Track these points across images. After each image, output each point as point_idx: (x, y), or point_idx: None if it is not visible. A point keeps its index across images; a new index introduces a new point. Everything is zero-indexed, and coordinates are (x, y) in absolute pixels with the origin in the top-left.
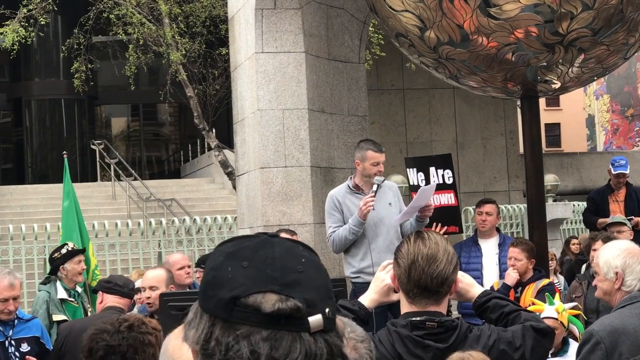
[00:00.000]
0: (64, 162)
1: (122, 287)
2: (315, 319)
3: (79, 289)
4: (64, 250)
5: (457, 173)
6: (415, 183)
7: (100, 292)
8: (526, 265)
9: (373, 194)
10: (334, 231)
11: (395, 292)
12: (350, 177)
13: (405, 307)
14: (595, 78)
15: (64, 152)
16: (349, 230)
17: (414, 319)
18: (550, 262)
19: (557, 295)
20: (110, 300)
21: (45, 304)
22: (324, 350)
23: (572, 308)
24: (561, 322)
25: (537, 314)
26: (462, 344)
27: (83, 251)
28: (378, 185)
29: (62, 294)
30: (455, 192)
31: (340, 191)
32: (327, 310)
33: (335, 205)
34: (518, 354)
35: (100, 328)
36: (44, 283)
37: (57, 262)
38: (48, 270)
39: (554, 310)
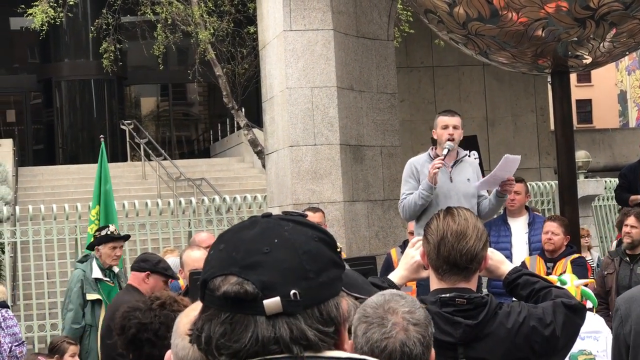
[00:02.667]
0: (98, 144)
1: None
2: (271, 302)
3: (116, 269)
4: (104, 232)
5: (487, 150)
6: None
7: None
8: (562, 240)
9: (442, 157)
10: (406, 197)
11: (425, 269)
12: (432, 148)
13: (434, 284)
14: (627, 53)
15: (102, 135)
16: (418, 196)
17: (443, 295)
18: (586, 238)
19: (571, 276)
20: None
21: (80, 283)
22: (281, 334)
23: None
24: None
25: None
26: (492, 321)
27: (123, 238)
28: (448, 149)
29: (97, 273)
30: (482, 172)
31: (420, 159)
32: (292, 292)
33: (413, 173)
34: (549, 330)
35: (132, 306)
36: (81, 261)
37: (94, 241)
38: (80, 251)
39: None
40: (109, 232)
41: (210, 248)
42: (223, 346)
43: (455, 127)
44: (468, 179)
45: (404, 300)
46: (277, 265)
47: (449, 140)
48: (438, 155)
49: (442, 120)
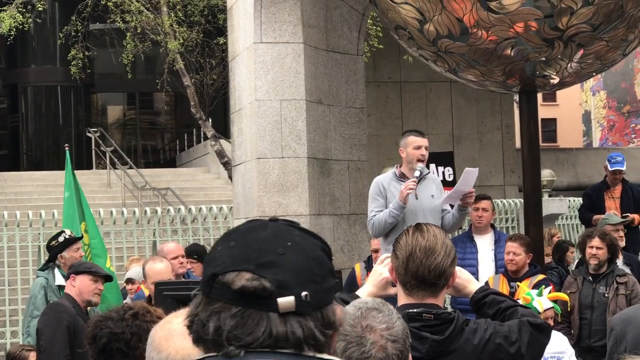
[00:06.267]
0: (61, 151)
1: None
2: (285, 301)
3: None
4: (61, 239)
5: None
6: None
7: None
8: (524, 259)
9: (415, 178)
10: (375, 215)
11: (393, 285)
12: (397, 166)
13: (402, 299)
14: (593, 74)
15: (66, 144)
16: (389, 214)
17: (410, 310)
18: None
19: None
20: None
21: (43, 290)
22: (293, 332)
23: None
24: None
25: (528, 303)
26: (459, 337)
27: (80, 239)
28: (420, 171)
29: (60, 280)
30: None
31: (386, 178)
32: (303, 294)
33: (380, 191)
34: (514, 348)
35: (105, 315)
36: (42, 269)
37: (54, 250)
38: (44, 258)
39: (548, 301)
40: (66, 237)
41: (216, 245)
42: (235, 338)
43: (426, 148)
44: (432, 195)
45: (381, 315)
46: (290, 266)
47: (420, 161)
48: (403, 174)
49: (415, 140)
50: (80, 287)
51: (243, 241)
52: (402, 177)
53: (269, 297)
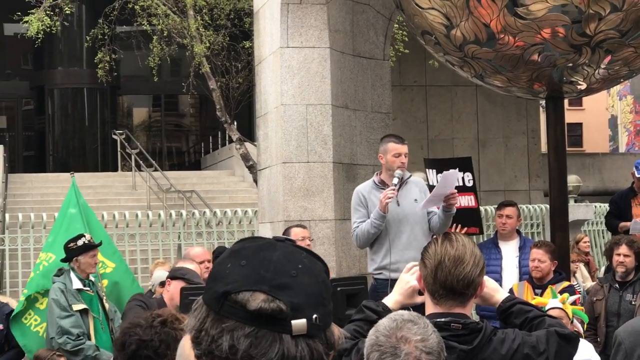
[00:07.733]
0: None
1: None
2: (298, 323)
3: (93, 278)
4: (80, 242)
5: (477, 171)
6: (435, 184)
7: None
8: (549, 266)
9: (394, 187)
10: (358, 226)
11: (420, 294)
12: (377, 173)
13: (430, 308)
14: (621, 80)
15: (72, 172)
16: (370, 224)
17: (438, 320)
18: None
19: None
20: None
21: (63, 295)
22: (304, 354)
23: (573, 303)
24: (566, 312)
25: (542, 307)
26: (487, 347)
27: (99, 245)
28: (399, 178)
29: (77, 284)
30: (475, 194)
31: (365, 187)
32: (314, 316)
33: (361, 201)
34: (542, 358)
35: (133, 322)
36: (57, 275)
37: (73, 252)
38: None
39: (558, 302)
40: (85, 242)
41: (224, 261)
42: (249, 357)
43: (405, 155)
44: (415, 200)
45: (416, 327)
46: (303, 289)
47: (399, 169)
48: (383, 181)
49: (395, 147)
50: (174, 292)
51: (255, 261)
52: (382, 185)
53: (285, 319)
